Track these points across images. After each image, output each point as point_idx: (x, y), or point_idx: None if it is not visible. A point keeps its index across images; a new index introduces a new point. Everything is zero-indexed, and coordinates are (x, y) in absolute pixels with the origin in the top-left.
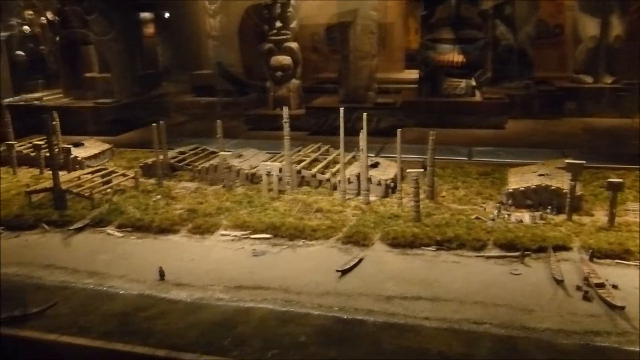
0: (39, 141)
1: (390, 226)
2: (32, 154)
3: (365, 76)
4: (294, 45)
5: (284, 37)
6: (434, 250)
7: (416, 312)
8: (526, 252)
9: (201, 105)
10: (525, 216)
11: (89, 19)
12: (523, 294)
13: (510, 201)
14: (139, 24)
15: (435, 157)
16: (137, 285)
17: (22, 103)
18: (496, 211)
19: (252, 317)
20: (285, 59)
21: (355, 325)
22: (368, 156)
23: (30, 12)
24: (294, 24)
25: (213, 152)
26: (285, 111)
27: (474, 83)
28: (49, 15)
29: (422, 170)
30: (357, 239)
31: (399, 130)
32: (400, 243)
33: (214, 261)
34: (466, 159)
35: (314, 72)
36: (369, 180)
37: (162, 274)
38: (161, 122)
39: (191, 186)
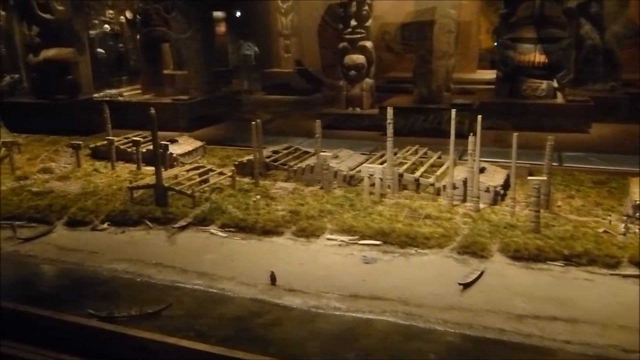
0: (136, 137)
1: (508, 237)
2: (129, 150)
3: (442, 76)
4: (368, 44)
5: (359, 35)
6: (562, 266)
7: (554, 334)
8: None
9: (275, 103)
10: None
11: (169, 17)
12: None
13: (638, 214)
14: (212, 22)
15: (525, 162)
16: (248, 289)
17: (108, 99)
18: (623, 224)
19: (374, 330)
20: (359, 58)
21: (488, 345)
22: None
23: (111, 12)
24: (369, 23)
25: (306, 152)
26: (389, 112)
27: (555, 84)
28: (128, 14)
29: (545, 178)
30: (475, 249)
31: (515, 134)
32: (523, 256)
33: (323, 267)
34: (557, 164)
35: (384, 71)
36: (477, 186)
37: (273, 279)
38: (258, 120)
39: (288, 186)
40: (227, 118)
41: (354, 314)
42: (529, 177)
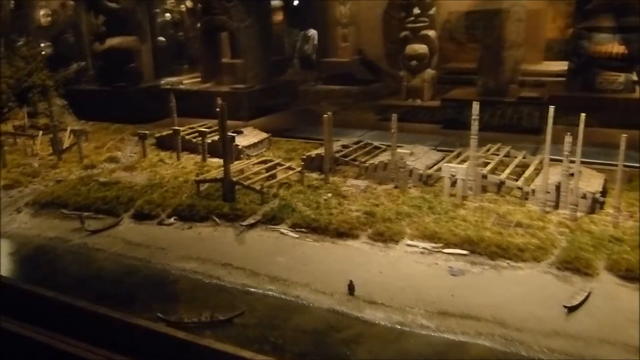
0: (201, 127)
1: (616, 252)
2: (194, 140)
3: (509, 67)
4: (431, 33)
5: (422, 24)
6: None
7: None
8: None
9: (333, 93)
10: None
11: (229, 5)
12: None
13: None
14: (270, 11)
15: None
16: (324, 298)
17: (169, 87)
18: None
19: (469, 355)
20: (421, 48)
21: None
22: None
23: (172, 0)
24: (432, 11)
25: (376, 147)
26: (475, 107)
27: (635, 77)
28: (189, 2)
29: None
30: (578, 265)
31: (623, 135)
32: (637, 276)
33: (406, 277)
34: None
35: (444, 62)
36: (572, 191)
37: (351, 288)
38: (329, 113)
39: (360, 184)
40: (285, 108)
41: (445, 335)
42: None
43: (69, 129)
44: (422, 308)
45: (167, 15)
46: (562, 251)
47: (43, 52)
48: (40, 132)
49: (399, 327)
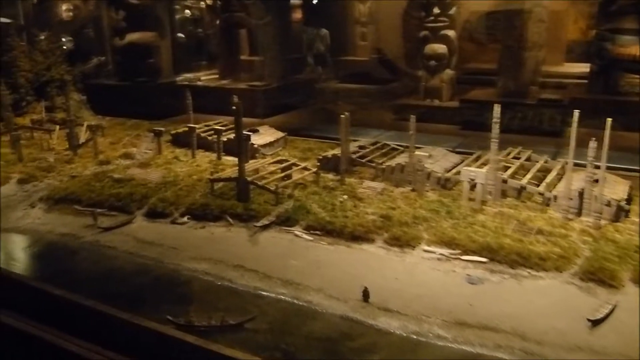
0: (216, 124)
1: None
2: (210, 138)
3: (530, 69)
4: (451, 33)
5: (442, 24)
6: None
7: None
8: None
9: (350, 91)
10: None
11: (248, 3)
12: None
13: None
14: (289, 8)
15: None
16: (337, 304)
17: (186, 83)
18: None
19: None
20: (441, 48)
21: None
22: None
23: None
24: (453, 11)
25: (394, 149)
26: (496, 110)
27: None
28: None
29: None
30: (602, 276)
31: None
32: None
33: (422, 284)
34: None
35: (463, 62)
36: (596, 198)
37: (366, 295)
38: (346, 113)
39: (376, 186)
40: (302, 106)
41: (462, 347)
42: None
43: (85, 124)
44: (438, 317)
45: (187, 11)
46: (586, 261)
47: (64, 47)
48: (57, 127)
49: (414, 337)
